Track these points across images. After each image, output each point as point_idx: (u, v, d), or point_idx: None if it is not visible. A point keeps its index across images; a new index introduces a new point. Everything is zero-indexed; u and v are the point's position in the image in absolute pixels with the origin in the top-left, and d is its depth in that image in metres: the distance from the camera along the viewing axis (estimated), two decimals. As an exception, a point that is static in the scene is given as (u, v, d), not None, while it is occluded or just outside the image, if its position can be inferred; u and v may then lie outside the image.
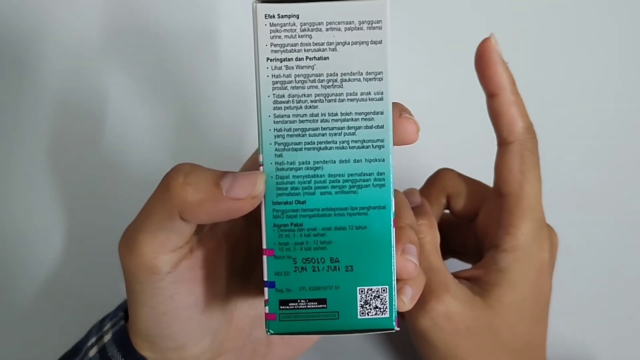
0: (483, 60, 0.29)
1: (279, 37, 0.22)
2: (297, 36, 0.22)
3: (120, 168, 0.38)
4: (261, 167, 0.22)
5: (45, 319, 0.37)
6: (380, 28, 0.22)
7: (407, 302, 0.24)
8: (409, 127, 0.23)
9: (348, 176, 0.22)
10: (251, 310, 0.28)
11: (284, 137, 0.22)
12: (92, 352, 0.28)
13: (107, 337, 0.28)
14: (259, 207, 0.22)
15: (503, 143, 0.30)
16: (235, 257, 0.27)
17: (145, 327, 0.25)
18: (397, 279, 0.23)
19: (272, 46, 0.22)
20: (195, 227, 0.24)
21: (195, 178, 0.22)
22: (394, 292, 0.22)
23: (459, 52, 0.39)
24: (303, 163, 0.22)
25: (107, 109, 0.39)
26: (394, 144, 0.23)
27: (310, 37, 0.22)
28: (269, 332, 0.22)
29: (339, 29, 0.22)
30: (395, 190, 0.26)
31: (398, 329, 0.23)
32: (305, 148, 0.22)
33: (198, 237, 0.25)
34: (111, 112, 0.39)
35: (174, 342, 0.26)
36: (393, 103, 0.23)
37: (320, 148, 0.22)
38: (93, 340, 0.28)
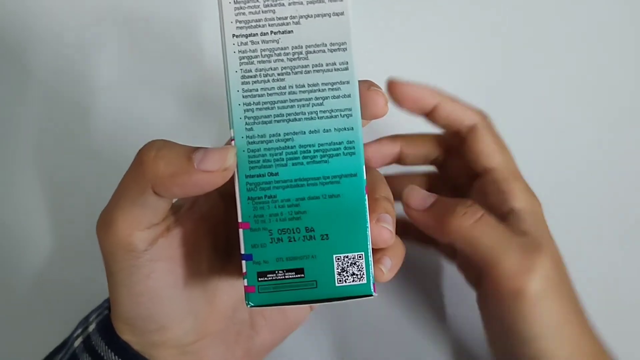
0: (403, 96, 0.31)
1: (244, 13, 0.22)
2: (260, 12, 0.22)
3: (109, 161, 0.38)
4: (232, 142, 0.22)
5: (35, 315, 0.36)
6: (341, 0, 0.22)
7: (385, 272, 0.24)
8: (378, 98, 0.23)
9: (319, 146, 0.22)
10: (233, 292, 0.28)
11: (253, 111, 0.22)
12: (77, 342, 0.28)
13: (91, 327, 0.28)
14: (234, 185, 0.23)
15: (467, 132, 0.31)
16: (216, 239, 0.27)
17: (125, 310, 0.25)
18: (375, 249, 0.23)
19: (237, 23, 0.22)
20: (170, 203, 0.24)
21: (168, 152, 0.22)
22: (370, 259, 0.23)
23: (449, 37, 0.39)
24: (273, 135, 0.22)
25: (96, 101, 0.38)
26: (365, 119, 0.24)
27: (274, 12, 0.22)
28: (249, 304, 0.23)
29: (302, 3, 0.22)
30: (371, 167, 0.26)
31: (376, 294, 0.23)
32: (275, 120, 0.22)
33: (175, 217, 0.26)
34: (99, 104, 0.38)
35: (154, 324, 0.26)
36: (363, 80, 0.23)
37: (289, 120, 0.22)
38: (79, 331, 0.28)
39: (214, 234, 0.27)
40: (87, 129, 0.38)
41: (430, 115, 0.32)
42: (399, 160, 0.34)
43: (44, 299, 0.37)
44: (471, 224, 0.28)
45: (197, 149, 0.22)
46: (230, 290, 0.28)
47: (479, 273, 0.30)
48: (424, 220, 0.29)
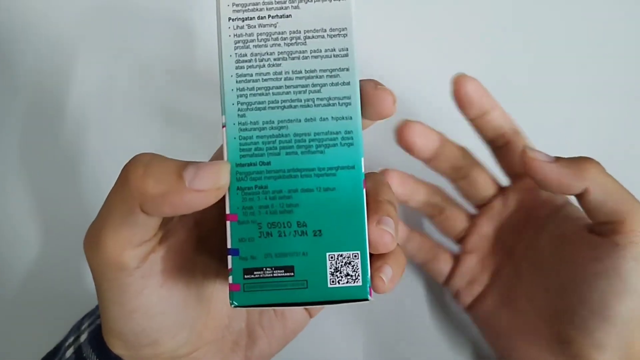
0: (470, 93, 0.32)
1: None
2: None
3: (97, 162, 0.37)
4: (224, 129, 0.21)
5: (26, 319, 0.36)
6: None
7: (386, 281, 0.22)
8: (386, 97, 0.22)
9: (314, 135, 0.21)
10: (228, 300, 0.26)
11: (246, 97, 0.21)
12: (69, 352, 0.27)
13: (83, 337, 0.27)
14: None
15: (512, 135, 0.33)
16: (209, 246, 0.26)
17: (116, 326, 0.24)
18: (374, 255, 0.22)
19: (234, 6, 0.21)
20: (160, 220, 0.23)
21: (156, 169, 0.21)
22: (367, 259, 0.21)
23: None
24: (267, 122, 0.21)
25: (80, 101, 0.38)
26: (371, 119, 0.22)
27: None
28: (233, 304, 0.21)
29: None
30: (374, 172, 0.24)
31: (372, 298, 0.21)
32: (269, 107, 0.21)
33: (167, 228, 0.24)
34: (84, 104, 0.38)
35: (147, 338, 0.24)
36: (367, 79, 0.22)
37: (284, 107, 0.21)
38: (71, 340, 0.27)
39: (207, 240, 0.26)
40: (75, 132, 0.38)
41: (480, 119, 0.32)
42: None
43: (34, 303, 0.36)
44: (606, 172, 0.28)
45: (188, 164, 0.21)
46: (226, 298, 0.26)
47: (604, 222, 0.28)
48: (555, 169, 0.28)
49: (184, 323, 0.25)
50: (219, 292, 0.26)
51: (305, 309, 0.28)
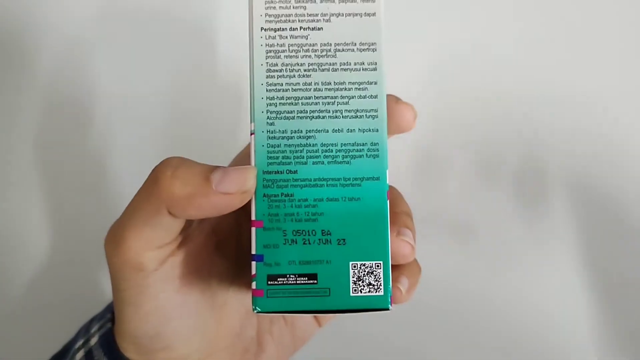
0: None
1: (274, 7, 0.22)
2: (291, 7, 0.22)
3: (111, 164, 0.37)
4: (252, 136, 0.22)
5: (33, 318, 0.35)
6: (374, 0, 0.22)
7: (403, 292, 0.22)
8: (407, 112, 0.23)
9: (341, 146, 0.22)
10: (241, 308, 0.27)
11: (276, 105, 0.22)
12: (79, 355, 0.26)
13: (93, 340, 0.27)
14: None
15: None
16: (225, 253, 0.26)
17: (131, 328, 0.24)
18: (393, 265, 0.22)
19: (267, 16, 0.22)
20: (183, 223, 0.23)
21: (184, 172, 0.21)
22: (389, 269, 0.21)
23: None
24: (295, 132, 0.22)
25: (98, 103, 0.38)
26: (391, 133, 0.23)
27: (305, 9, 0.22)
28: (256, 309, 0.21)
29: (334, 1, 0.22)
30: (390, 186, 0.25)
31: (392, 308, 0.21)
32: (297, 116, 0.22)
33: (186, 233, 0.24)
34: (101, 106, 0.38)
35: (160, 343, 0.24)
36: (389, 94, 0.22)
37: (313, 117, 0.22)
38: (80, 342, 0.27)
39: (224, 247, 0.26)
40: (93, 134, 0.38)
41: None
42: None
43: (41, 304, 0.35)
44: None
45: (215, 168, 0.21)
46: (238, 306, 0.27)
47: None
48: None
49: (197, 329, 0.25)
50: (232, 299, 0.26)
51: (315, 317, 0.29)
